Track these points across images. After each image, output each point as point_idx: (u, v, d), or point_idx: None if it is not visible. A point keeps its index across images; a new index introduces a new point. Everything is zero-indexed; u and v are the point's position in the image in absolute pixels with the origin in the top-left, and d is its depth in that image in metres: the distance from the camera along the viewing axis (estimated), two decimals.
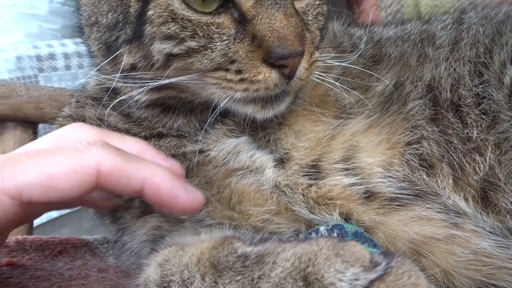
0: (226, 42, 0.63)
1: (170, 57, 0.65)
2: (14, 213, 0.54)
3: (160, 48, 0.64)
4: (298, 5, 0.69)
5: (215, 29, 0.63)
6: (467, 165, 0.70)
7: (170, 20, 0.62)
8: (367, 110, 0.76)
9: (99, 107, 0.77)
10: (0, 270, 0.73)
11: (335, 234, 0.64)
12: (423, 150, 0.72)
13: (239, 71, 0.63)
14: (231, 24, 0.63)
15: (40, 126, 1.41)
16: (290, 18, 0.62)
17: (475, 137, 0.71)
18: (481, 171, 0.69)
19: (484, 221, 0.68)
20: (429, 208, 0.69)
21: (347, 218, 0.69)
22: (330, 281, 0.42)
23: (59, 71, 1.75)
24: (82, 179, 0.54)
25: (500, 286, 0.65)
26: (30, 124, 1.23)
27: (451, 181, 0.70)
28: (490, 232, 0.67)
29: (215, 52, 0.63)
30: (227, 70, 0.63)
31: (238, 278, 0.46)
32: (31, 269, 0.77)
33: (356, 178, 0.70)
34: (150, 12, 0.62)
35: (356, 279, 0.41)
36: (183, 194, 0.57)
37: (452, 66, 0.78)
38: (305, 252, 0.45)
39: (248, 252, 0.49)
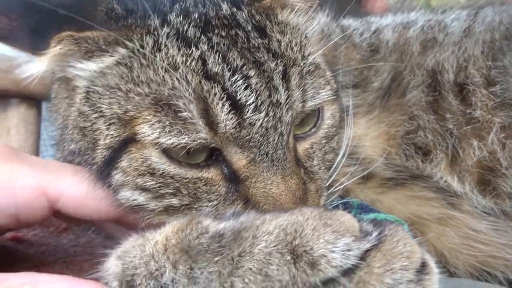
0: (215, 203, 0.54)
1: (140, 207, 0.56)
2: (42, 216, 0.58)
3: (130, 197, 0.56)
4: (301, 147, 0.60)
5: (202, 187, 0.54)
6: (462, 150, 0.71)
7: (148, 174, 0.54)
8: (366, 107, 0.76)
9: None
10: (5, 244, 0.72)
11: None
12: (418, 139, 0.73)
13: None
14: (221, 181, 0.54)
15: (43, 106, 1.39)
16: (290, 180, 0.54)
17: (478, 117, 0.70)
18: (476, 156, 0.70)
19: (478, 202, 0.68)
20: (426, 187, 0.70)
21: (344, 197, 0.69)
22: (321, 253, 0.38)
23: None
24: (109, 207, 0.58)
25: (494, 274, 0.65)
26: (35, 101, 1.20)
27: (443, 166, 0.71)
28: (484, 212, 0.68)
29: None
30: None
31: (216, 259, 0.40)
32: (36, 244, 0.76)
33: (356, 166, 0.71)
34: (123, 164, 0.54)
35: (349, 250, 0.38)
36: None
37: (463, 47, 0.77)
38: (290, 223, 0.41)
39: (221, 229, 0.43)
